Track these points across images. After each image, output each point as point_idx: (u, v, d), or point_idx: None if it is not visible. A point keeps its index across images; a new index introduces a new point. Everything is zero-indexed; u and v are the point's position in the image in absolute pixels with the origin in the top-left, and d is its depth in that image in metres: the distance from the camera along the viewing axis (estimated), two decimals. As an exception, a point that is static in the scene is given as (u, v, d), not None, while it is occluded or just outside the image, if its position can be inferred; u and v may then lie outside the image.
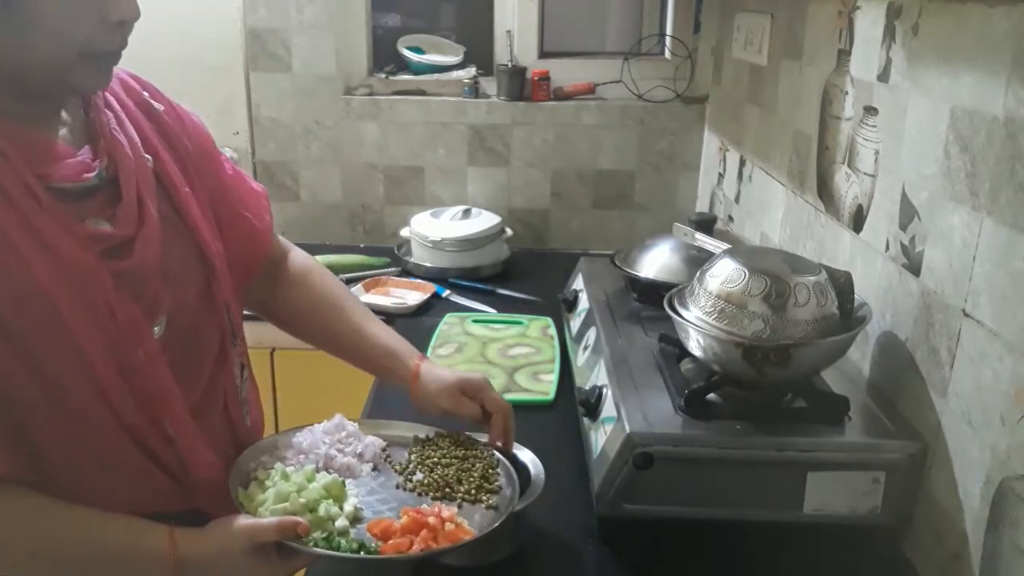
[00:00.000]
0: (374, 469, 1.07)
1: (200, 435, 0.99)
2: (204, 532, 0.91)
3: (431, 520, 0.94)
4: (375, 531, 0.95)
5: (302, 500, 0.95)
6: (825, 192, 1.46)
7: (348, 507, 0.98)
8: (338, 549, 0.91)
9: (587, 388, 1.28)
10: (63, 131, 0.92)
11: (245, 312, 1.16)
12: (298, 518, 0.91)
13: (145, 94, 1.04)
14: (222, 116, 2.37)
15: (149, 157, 0.99)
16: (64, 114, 0.94)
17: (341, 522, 0.95)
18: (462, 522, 0.96)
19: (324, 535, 0.92)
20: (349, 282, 2.13)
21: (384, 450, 1.10)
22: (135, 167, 0.95)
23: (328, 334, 1.22)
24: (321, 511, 0.95)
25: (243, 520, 0.91)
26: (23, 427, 0.87)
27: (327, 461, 1.06)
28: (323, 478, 1.00)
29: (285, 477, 1.00)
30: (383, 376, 1.22)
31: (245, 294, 1.16)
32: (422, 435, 1.14)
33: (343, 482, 1.02)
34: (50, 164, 0.88)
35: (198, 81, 2.32)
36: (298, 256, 1.27)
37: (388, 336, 1.21)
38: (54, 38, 0.83)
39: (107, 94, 0.98)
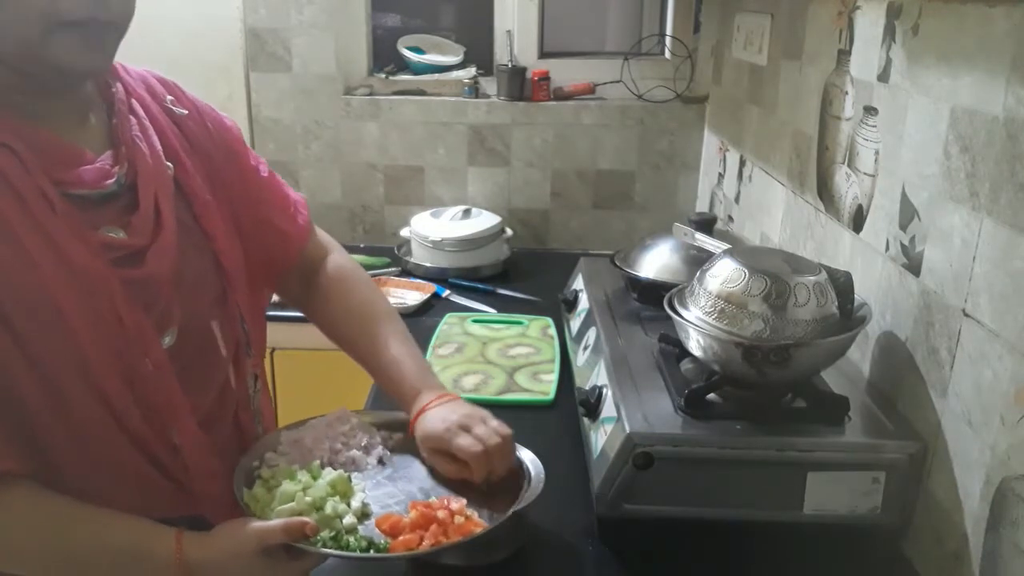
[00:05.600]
0: (380, 462, 1.07)
1: (207, 444, 0.98)
2: (212, 536, 0.90)
3: (440, 515, 0.93)
4: (384, 527, 0.94)
5: (308, 499, 0.94)
6: (825, 192, 1.46)
7: (355, 503, 0.97)
8: (347, 548, 0.90)
9: (587, 388, 1.28)
10: (85, 136, 0.92)
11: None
12: (305, 518, 0.91)
13: (169, 99, 1.03)
14: (222, 116, 2.37)
15: (170, 164, 0.98)
16: (92, 118, 0.94)
17: (349, 519, 0.94)
18: (471, 514, 0.95)
19: (332, 534, 0.91)
20: (349, 282, 2.14)
21: (392, 440, 1.10)
22: (155, 175, 0.95)
23: (354, 347, 1.19)
24: (328, 509, 0.94)
25: (250, 523, 0.91)
26: (30, 428, 0.87)
27: (332, 455, 1.05)
28: (329, 474, 0.99)
29: (290, 476, 0.99)
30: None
31: (276, 292, 1.16)
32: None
33: (349, 477, 1.01)
34: (68, 169, 0.88)
35: (198, 81, 2.29)
36: (337, 259, 1.24)
37: (406, 366, 1.13)
38: (16, 7, 0.80)
39: (132, 100, 0.98)
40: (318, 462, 1.03)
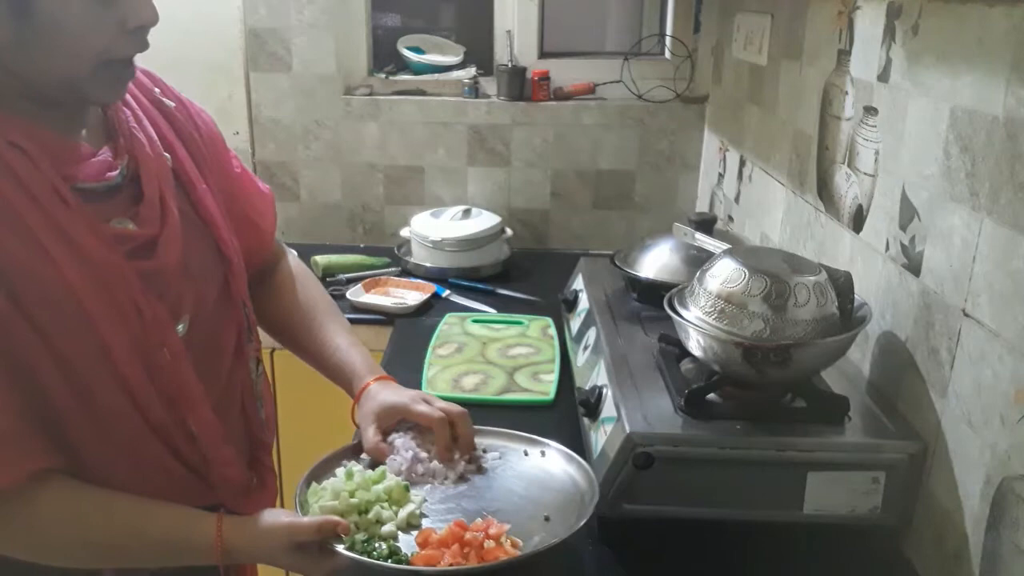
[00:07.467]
0: (461, 478, 1.07)
1: (221, 431, 1.00)
2: (248, 522, 0.93)
3: (468, 535, 0.93)
4: (419, 540, 0.95)
5: (353, 500, 0.96)
6: (825, 192, 1.46)
7: (403, 512, 0.98)
8: (369, 553, 0.91)
9: (587, 388, 1.28)
10: (82, 131, 0.93)
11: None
12: (337, 518, 0.92)
13: (156, 91, 1.05)
14: (222, 116, 2.34)
15: (167, 155, 0.99)
16: (86, 113, 0.94)
17: (388, 527, 0.95)
18: (507, 541, 0.94)
19: (365, 538, 0.93)
20: (349, 282, 2.14)
21: (484, 458, 1.11)
22: (155, 165, 0.96)
23: (297, 340, 1.22)
24: (371, 514, 0.95)
25: (284, 517, 0.93)
26: (58, 424, 0.88)
27: (413, 463, 1.06)
28: (389, 480, 1.01)
29: (349, 475, 1.01)
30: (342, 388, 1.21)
31: None
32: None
33: (406, 486, 1.01)
34: (74, 164, 0.89)
35: (198, 81, 2.31)
36: (291, 262, 1.28)
37: (348, 352, 1.18)
38: (73, 47, 0.83)
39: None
40: (384, 467, 1.04)
